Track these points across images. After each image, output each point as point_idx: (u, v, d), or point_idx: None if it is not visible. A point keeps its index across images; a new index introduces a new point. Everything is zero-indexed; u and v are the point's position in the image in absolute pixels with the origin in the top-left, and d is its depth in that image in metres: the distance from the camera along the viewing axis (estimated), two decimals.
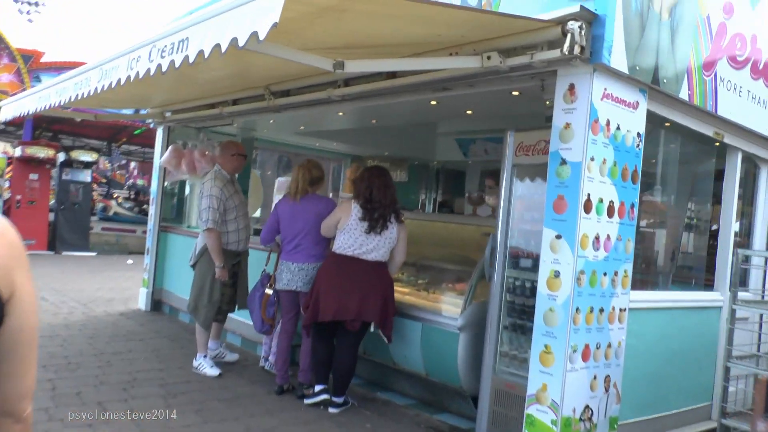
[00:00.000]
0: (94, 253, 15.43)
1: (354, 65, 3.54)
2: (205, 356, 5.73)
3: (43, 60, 15.31)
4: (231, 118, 7.14)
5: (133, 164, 36.47)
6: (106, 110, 8.62)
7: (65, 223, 15.38)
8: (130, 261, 13.96)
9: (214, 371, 5.61)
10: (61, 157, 15.36)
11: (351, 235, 4.72)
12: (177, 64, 3.35)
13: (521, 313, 4.14)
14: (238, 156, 5.84)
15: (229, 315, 6.03)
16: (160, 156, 8.29)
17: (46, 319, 7.42)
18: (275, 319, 5.37)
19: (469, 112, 5.98)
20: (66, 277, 11.02)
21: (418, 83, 4.53)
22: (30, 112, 6.42)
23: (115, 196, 20.61)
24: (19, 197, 14.90)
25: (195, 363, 5.73)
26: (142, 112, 8.99)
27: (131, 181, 35.38)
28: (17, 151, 14.86)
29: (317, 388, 4.87)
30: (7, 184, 15.37)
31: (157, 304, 8.38)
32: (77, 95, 5.18)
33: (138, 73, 3.91)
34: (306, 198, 5.13)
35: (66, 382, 5.07)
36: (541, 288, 3.77)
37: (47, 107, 6.04)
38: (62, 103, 5.63)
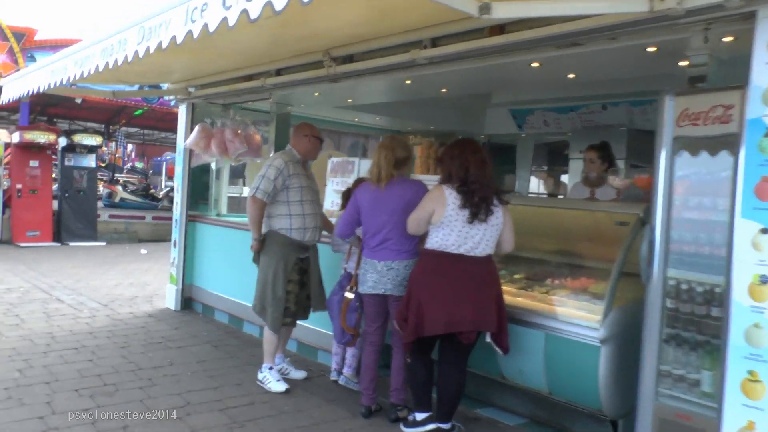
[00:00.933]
0: (103, 243, 14.52)
1: (503, 9, 2.66)
2: (271, 368, 4.90)
3: (37, 38, 14.24)
4: (271, 91, 6.23)
5: (130, 147, 35.46)
6: (123, 87, 7.62)
7: (70, 211, 14.46)
8: (144, 251, 13.06)
9: (281, 386, 4.78)
10: (63, 141, 14.39)
11: (451, 228, 3.86)
12: (212, 28, 2.78)
13: (687, 324, 3.30)
14: (311, 138, 4.98)
15: None
16: (184, 137, 7.38)
17: (67, 325, 6.56)
18: (358, 327, 4.51)
19: (571, 75, 5.10)
20: (78, 272, 10.14)
21: (538, 39, 3.64)
22: (42, 89, 5.50)
23: (122, 181, 19.61)
24: (19, 186, 13.95)
25: (260, 375, 4.91)
26: (163, 88, 8.04)
27: (130, 164, 34.36)
28: (15, 137, 13.88)
29: (420, 416, 4.03)
30: (5, 173, 14.42)
31: (187, 302, 7.52)
32: (97, 67, 4.31)
33: (175, 38, 3.13)
34: (392, 184, 4.25)
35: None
36: (739, 297, 2.92)
37: (62, 82, 5.15)
38: (83, 76, 4.73)
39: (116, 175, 21.02)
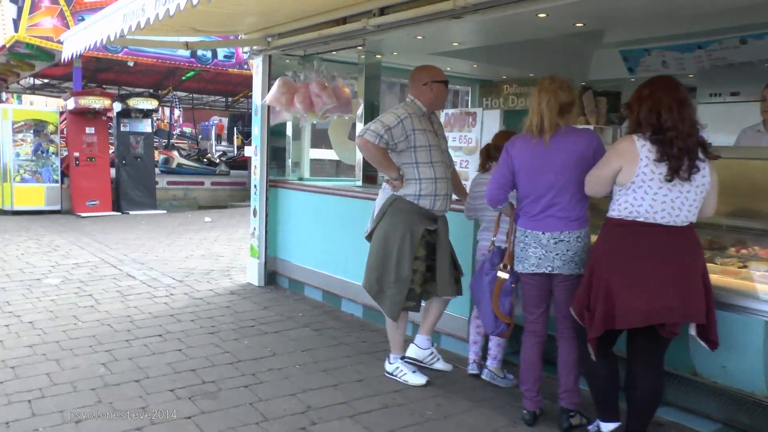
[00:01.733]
0: (163, 211, 14.00)
1: None
2: (402, 357, 4.15)
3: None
4: (369, 35, 5.37)
5: (177, 112, 34.99)
6: (192, 38, 6.80)
7: (129, 179, 13.93)
8: (207, 219, 12.45)
9: (419, 379, 4.05)
10: (118, 107, 13.79)
11: (645, 190, 2.99)
12: None
13: None
14: (432, 85, 4.11)
15: None
16: (261, 93, 6.58)
17: (145, 306, 5.92)
18: (513, 315, 3.71)
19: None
20: (144, 244, 9.56)
21: None
22: (112, 38, 4.74)
23: (186, 145, 19.02)
24: (77, 154, 13.45)
25: (389, 367, 4.17)
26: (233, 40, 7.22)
27: (179, 129, 33.94)
28: (70, 103, 13.32)
29: (607, 426, 3.22)
30: (61, 141, 13.92)
31: (271, 276, 6.82)
32: (167, 11, 3.54)
33: None
34: (558, 136, 3.37)
35: (213, 421, 3.51)
36: None
37: (131, 29, 4.38)
38: (158, 18, 3.95)
39: (164, 140, 20.43)
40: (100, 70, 18.40)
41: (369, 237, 4.22)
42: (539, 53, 7.12)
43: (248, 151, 14.56)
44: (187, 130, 35.24)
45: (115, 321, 5.45)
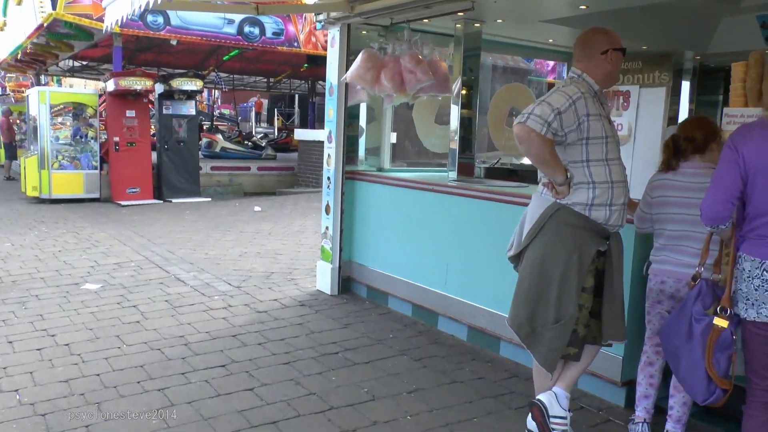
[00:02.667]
0: (207, 199, 13.09)
1: None
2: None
3: None
4: None
5: (215, 93, 34.13)
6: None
7: (171, 165, 13.03)
8: (257, 208, 11.45)
9: None
10: (159, 88, 12.87)
11: None
12: None
13: None
14: (612, 53, 3.00)
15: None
16: (338, 70, 5.50)
17: (201, 322, 4.93)
18: (732, 376, 2.60)
19: None
20: (191, 238, 8.61)
21: None
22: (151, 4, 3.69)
23: (225, 127, 18.12)
24: (116, 139, 12.57)
25: (531, 425, 3.06)
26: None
27: (218, 110, 33.13)
28: (110, 85, 12.42)
29: None
30: (100, 125, 13.08)
31: (345, 283, 5.79)
32: None
33: None
34: None
35: None
36: None
37: None
38: None
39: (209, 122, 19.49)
40: (140, 50, 17.53)
41: (515, 258, 3.12)
42: (654, 21, 5.92)
43: (307, 134, 13.64)
44: (225, 111, 34.48)
45: (167, 343, 4.47)
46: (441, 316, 4.79)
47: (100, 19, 12.34)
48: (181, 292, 5.82)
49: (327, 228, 5.71)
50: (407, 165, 6.31)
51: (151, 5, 3.71)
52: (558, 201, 2.93)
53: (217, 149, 14.93)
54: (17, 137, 18.89)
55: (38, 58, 17.73)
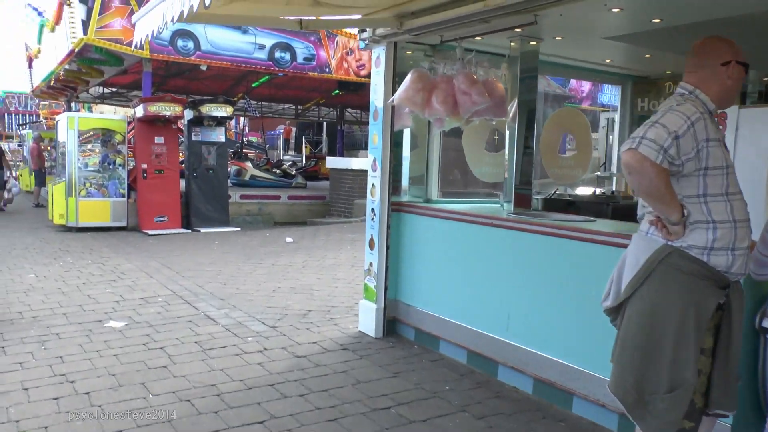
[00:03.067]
0: (236, 228, 12.72)
1: None
2: None
3: None
4: (542, 9, 3.83)
5: (242, 120, 34.03)
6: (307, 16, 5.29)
7: (200, 193, 12.72)
8: (289, 239, 11.03)
9: None
10: (189, 114, 12.61)
11: None
12: None
13: None
14: (735, 66, 2.53)
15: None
16: (385, 92, 5.07)
17: (234, 369, 4.46)
18: None
19: None
20: (221, 271, 8.19)
21: None
22: (190, 11, 3.29)
23: (253, 155, 17.86)
24: (144, 166, 12.29)
25: None
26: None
27: (245, 138, 33.01)
28: (139, 111, 12.19)
29: None
30: (128, 152, 12.83)
31: (391, 324, 5.31)
32: None
33: None
34: None
35: None
36: None
37: None
38: None
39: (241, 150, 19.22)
40: (169, 76, 17.39)
41: (613, 311, 2.63)
42: (742, 35, 5.40)
43: (339, 162, 13.24)
44: (253, 139, 34.35)
45: (197, 393, 4.01)
46: (501, 365, 4.27)
47: (131, 44, 12.00)
48: (211, 332, 5.37)
49: (371, 264, 5.25)
50: (454, 195, 5.84)
51: (185, 14, 3.30)
52: (669, 243, 2.44)
53: (246, 177, 14.60)
54: (47, 164, 18.81)
55: (69, 84, 17.68)
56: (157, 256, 9.25)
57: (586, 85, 16.26)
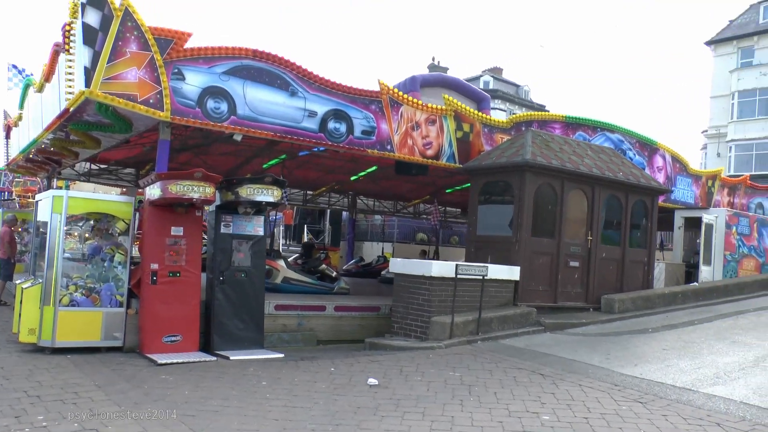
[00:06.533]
0: (277, 355, 9.21)
1: None
2: None
3: (187, 46, 9.37)
4: None
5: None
6: None
7: (227, 304, 9.38)
8: (372, 380, 7.50)
9: None
10: (218, 198, 9.40)
11: None
12: None
13: None
14: None
15: None
16: None
17: None
18: None
19: None
20: None
21: None
22: None
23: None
24: (155, 266, 8.94)
25: None
26: None
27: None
28: (153, 191, 8.96)
29: None
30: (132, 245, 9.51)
31: None
32: None
33: None
34: None
35: None
36: None
37: None
38: None
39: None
40: (176, 150, 14.13)
41: None
42: None
43: (410, 266, 10.00)
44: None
45: None
46: None
47: (147, 103, 9.13)
48: None
49: None
50: None
51: None
52: None
53: (278, 280, 11.27)
54: (18, 247, 15.33)
55: (53, 157, 14.42)
56: (186, 414, 5.81)
57: None
